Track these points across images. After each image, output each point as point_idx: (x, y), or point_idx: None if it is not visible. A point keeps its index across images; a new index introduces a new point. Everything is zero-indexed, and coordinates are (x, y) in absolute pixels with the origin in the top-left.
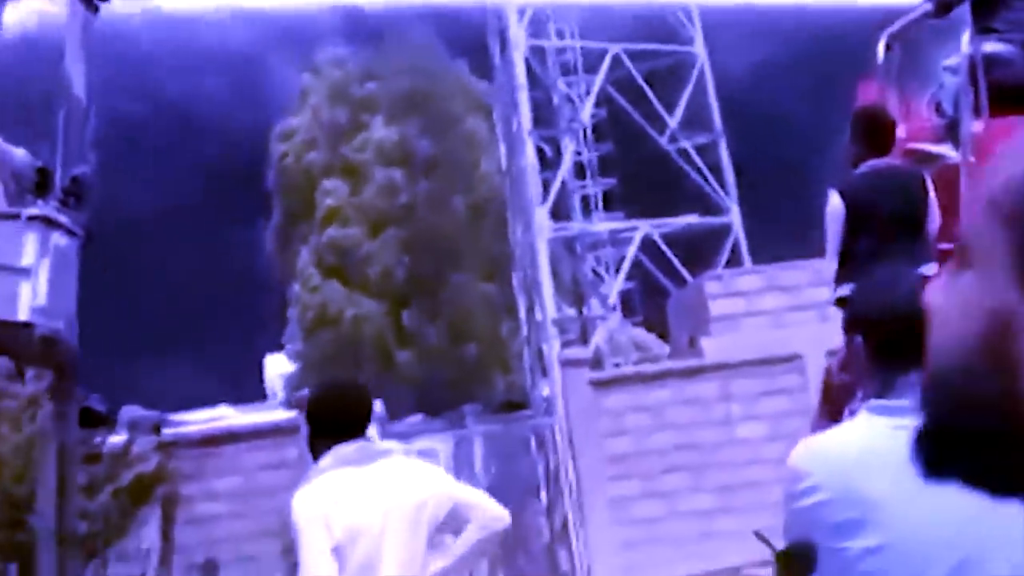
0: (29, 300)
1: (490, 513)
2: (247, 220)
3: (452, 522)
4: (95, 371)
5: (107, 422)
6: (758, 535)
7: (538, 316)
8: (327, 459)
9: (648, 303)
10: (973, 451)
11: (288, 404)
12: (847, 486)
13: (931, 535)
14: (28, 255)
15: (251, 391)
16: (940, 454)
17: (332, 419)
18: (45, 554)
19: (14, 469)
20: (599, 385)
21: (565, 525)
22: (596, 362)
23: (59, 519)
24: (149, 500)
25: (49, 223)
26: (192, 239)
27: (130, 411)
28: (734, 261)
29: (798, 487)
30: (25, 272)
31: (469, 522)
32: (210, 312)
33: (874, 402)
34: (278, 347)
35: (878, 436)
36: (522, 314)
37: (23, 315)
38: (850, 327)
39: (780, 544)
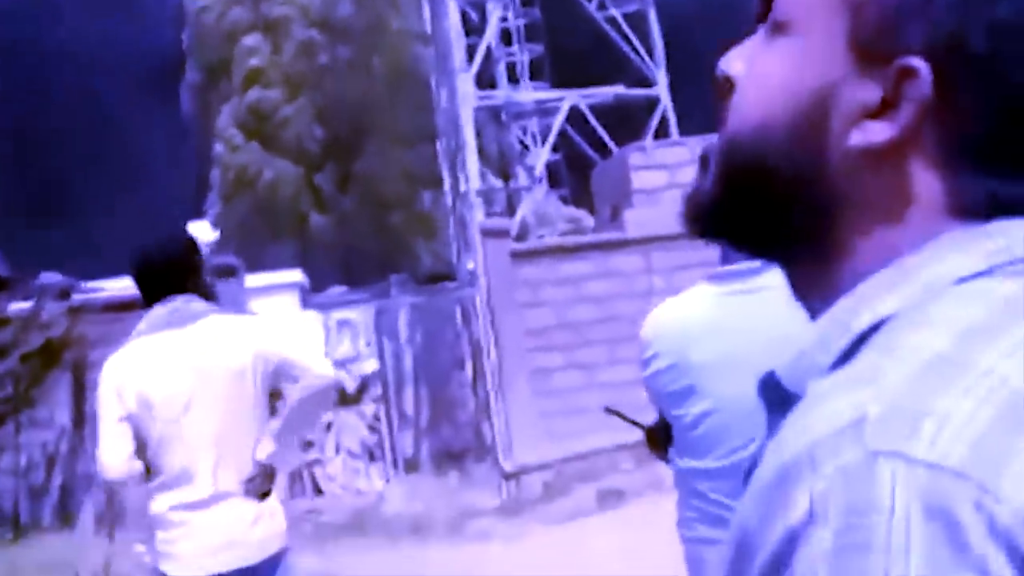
0: None
1: (314, 371)
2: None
3: (279, 381)
4: (3, 236)
5: (9, 286)
6: (609, 410)
7: (462, 187)
8: (141, 324)
9: (575, 175)
10: (752, 216)
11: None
12: (680, 354)
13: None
14: None
15: None
16: (718, 215)
17: (146, 280)
18: None
19: None
20: (519, 256)
21: (489, 397)
22: (522, 234)
23: None
24: (58, 365)
25: None
26: (111, 98)
27: (44, 277)
28: (662, 134)
29: (643, 356)
30: None
31: (296, 380)
32: (128, 177)
33: (712, 271)
34: (199, 214)
35: (708, 304)
36: (446, 184)
37: None
38: None
39: (641, 418)
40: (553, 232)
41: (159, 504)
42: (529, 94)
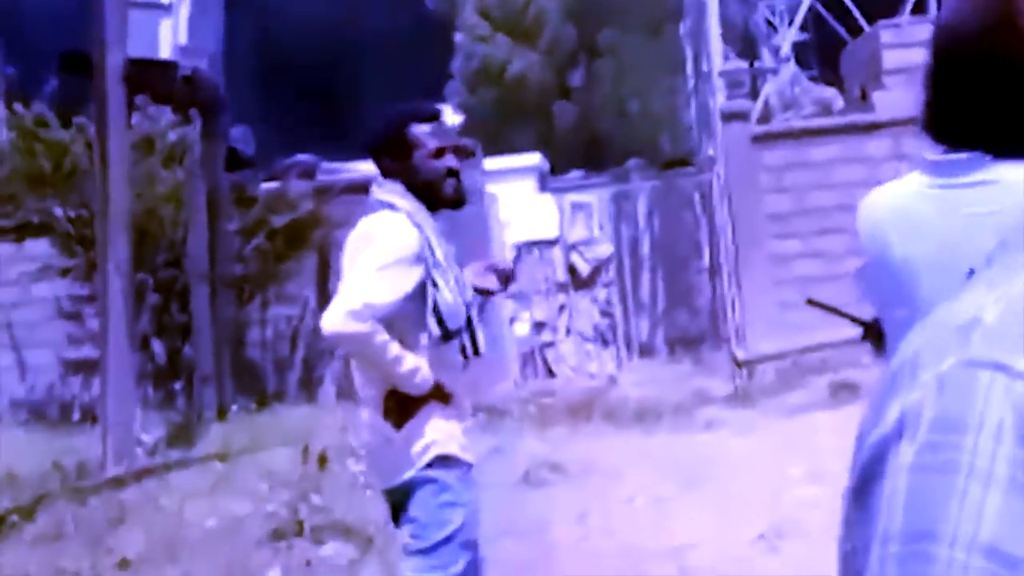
0: (170, 39)
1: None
2: None
3: None
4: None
5: (253, 165)
6: (812, 302)
7: (704, 68)
8: None
9: (824, 56)
10: (980, 113)
11: None
12: (881, 251)
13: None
14: None
15: None
16: (948, 118)
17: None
18: (198, 293)
19: (170, 212)
20: (760, 140)
21: (725, 284)
22: (765, 117)
23: (211, 260)
24: (304, 243)
25: None
26: None
27: (291, 158)
28: (919, 9)
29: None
30: (166, 9)
31: None
32: (374, 60)
33: (926, 156)
34: (442, 99)
35: (917, 196)
36: (688, 67)
37: (164, 53)
38: None
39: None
40: (799, 115)
41: None
42: None
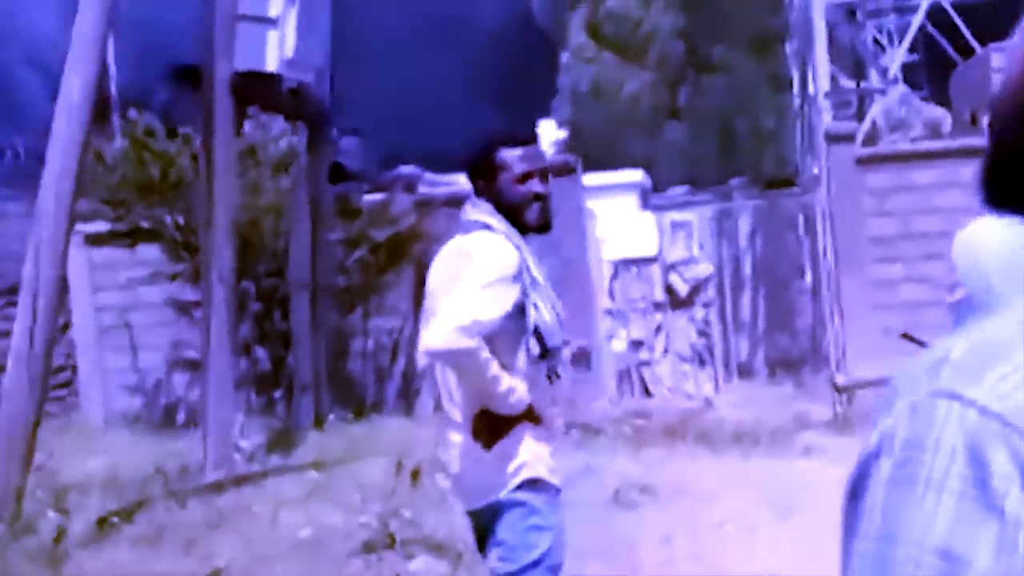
0: (277, 51)
1: (424, 336)
2: None
3: None
4: (357, 126)
5: (357, 178)
6: (907, 336)
7: (811, 88)
8: None
9: (934, 78)
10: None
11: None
12: (980, 286)
13: None
14: (275, 5)
15: None
16: (1006, 183)
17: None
18: (298, 303)
19: (273, 222)
20: (864, 162)
21: (827, 306)
22: (872, 139)
23: (312, 270)
24: (404, 256)
25: None
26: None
27: (397, 170)
28: None
29: (949, 281)
30: (272, 22)
31: None
32: (475, 71)
33: None
34: (546, 113)
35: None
36: (795, 86)
37: (271, 66)
38: None
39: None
40: (907, 136)
41: None
42: None
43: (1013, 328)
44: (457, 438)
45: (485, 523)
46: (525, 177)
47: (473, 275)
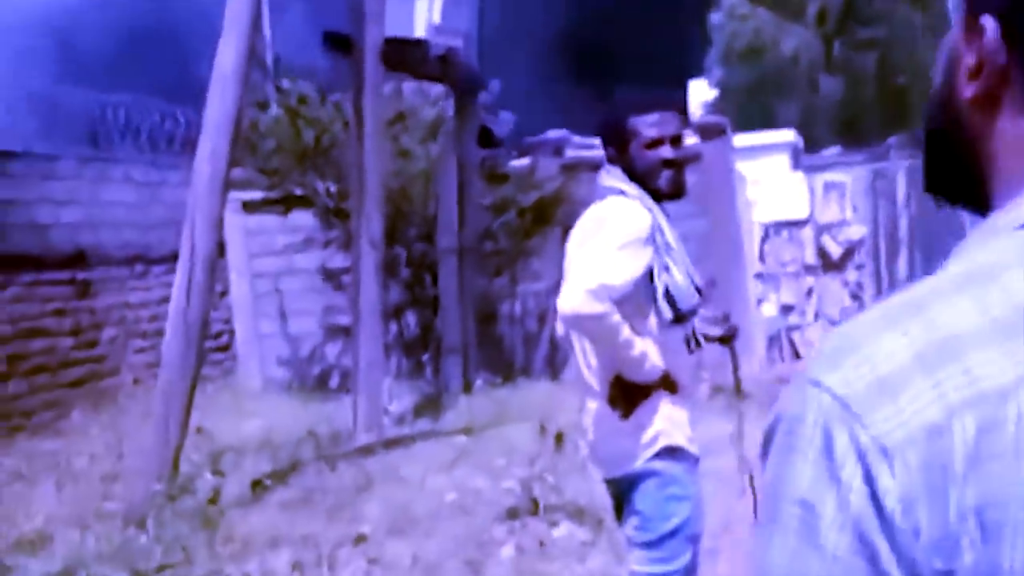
0: (425, 18)
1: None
2: None
3: None
4: (502, 92)
5: (505, 143)
6: None
7: None
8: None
9: None
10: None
11: (697, 130)
12: None
13: None
14: None
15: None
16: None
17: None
18: (446, 267)
19: (422, 187)
20: None
21: None
22: None
23: (460, 236)
24: (551, 221)
25: None
26: None
27: (546, 134)
28: None
29: None
30: None
31: None
32: (623, 33)
33: None
34: (697, 73)
35: None
36: None
37: (419, 32)
38: None
39: None
40: None
41: None
42: None
43: (869, 325)
44: (593, 405)
45: (622, 492)
46: (655, 143)
47: (603, 239)
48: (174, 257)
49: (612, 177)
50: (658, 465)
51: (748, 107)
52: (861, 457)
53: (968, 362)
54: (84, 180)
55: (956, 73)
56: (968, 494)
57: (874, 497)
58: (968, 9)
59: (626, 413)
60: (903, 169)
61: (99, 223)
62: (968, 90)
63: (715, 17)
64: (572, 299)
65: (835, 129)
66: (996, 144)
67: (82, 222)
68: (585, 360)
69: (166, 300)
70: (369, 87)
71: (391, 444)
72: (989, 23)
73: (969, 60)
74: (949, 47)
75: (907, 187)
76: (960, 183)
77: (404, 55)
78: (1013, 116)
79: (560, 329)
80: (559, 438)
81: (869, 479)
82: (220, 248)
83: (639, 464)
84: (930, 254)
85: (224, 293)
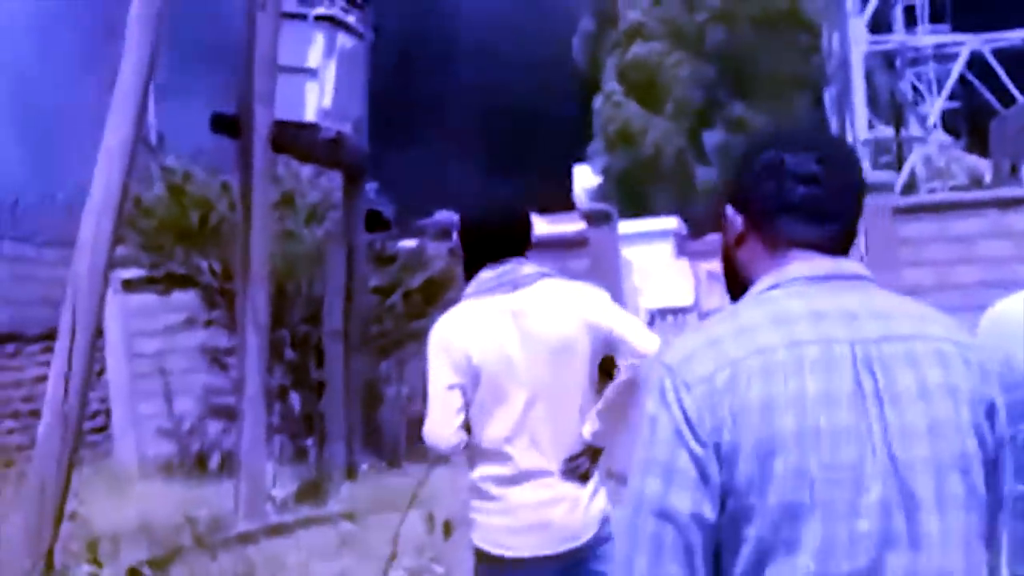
0: (316, 102)
1: (639, 348)
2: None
3: (608, 353)
4: (391, 172)
5: (392, 226)
6: None
7: (849, 136)
8: (471, 286)
9: (973, 126)
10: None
11: (584, 216)
12: (1010, 355)
13: None
14: (314, 56)
15: (559, 200)
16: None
17: (478, 241)
18: (332, 349)
19: (309, 269)
20: (901, 212)
21: None
22: (910, 187)
23: (346, 317)
24: (438, 303)
25: (335, 23)
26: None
27: (434, 216)
28: None
29: None
30: (312, 73)
31: (624, 357)
32: (512, 118)
33: None
34: (580, 159)
35: None
36: (833, 133)
37: (310, 116)
38: None
39: None
40: (947, 185)
41: (477, 473)
42: (927, 38)
43: (709, 322)
44: (550, 486)
45: (571, 565)
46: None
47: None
48: (49, 335)
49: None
50: (609, 528)
51: (627, 193)
52: (676, 392)
53: (750, 341)
54: None
55: (731, 241)
56: (725, 406)
57: (682, 409)
58: (730, 210)
59: (587, 477)
60: None
61: None
62: (735, 247)
63: (596, 101)
64: (654, 340)
65: (709, 216)
66: (749, 266)
67: None
68: (532, 439)
69: (40, 380)
70: (257, 169)
71: (274, 531)
72: (739, 217)
73: (733, 233)
74: (725, 230)
75: None
76: (741, 286)
77: (293, 138)
78: (751, 253)
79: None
80: (447, 526)
81: (679, 401)
82: (99, 327)
83: (599, 530)
84: None
85: (101, 372)
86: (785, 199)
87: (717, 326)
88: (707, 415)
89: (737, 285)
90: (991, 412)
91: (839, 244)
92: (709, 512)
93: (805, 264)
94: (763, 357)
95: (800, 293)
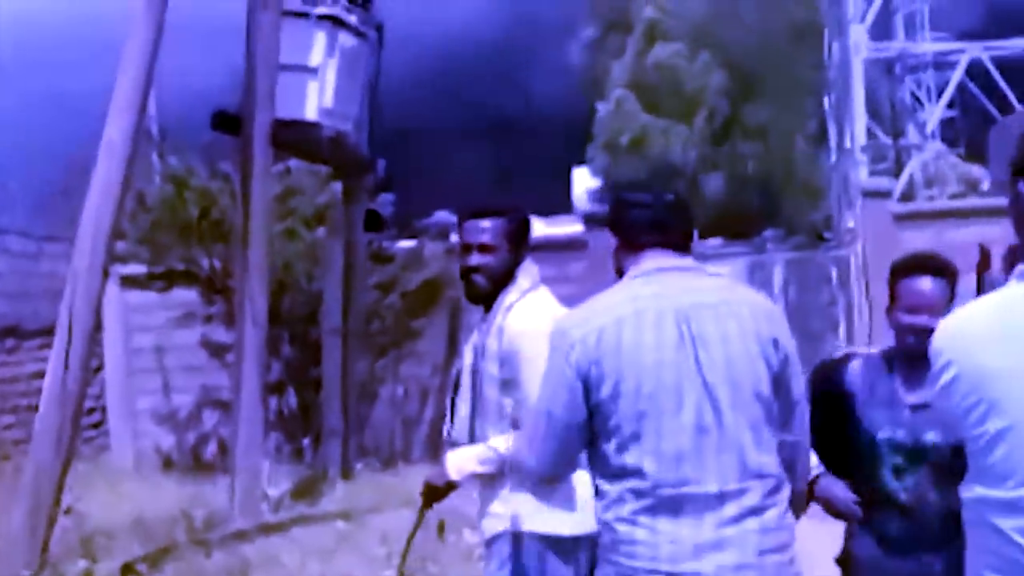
0: (316, 100)
1: None
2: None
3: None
4: (396, 171)
5: (391, 225)
6: None
7: (847, 143)
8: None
9: (973, 134)
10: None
11: (585, 219)
12: (970, 361)
13: None
14: (316, 55)
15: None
16: None
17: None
18: (330, 347)
19: (308, 267)
20: (901, 219)
21: None
22: (908, 195)
23: (344, 316)
24: (436, 303)
25: (337, 23)
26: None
27: (434, 216)
28: None
29: (935, 367)
30: (313, 72)
31: None
32: (516, 119)
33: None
34: (581, 161)
35: (1014, 303)
36: (832, 140)
37: (311, 115)
38: None
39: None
40: (944, 193)
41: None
42: (927, 45)
43: (592, 299)
44: None
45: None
46: (463, 250)
47: None
48: (48, 331)
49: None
50: None
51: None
52: (569, 347)
53: (612, 310)
54: None
55: (613, 251)
56: (593, 352)
57: (568, 361)
58: (609, 227)
59: None
60: (780, 262)
61: None
62: (617, 260)
63: (601, 107)
64: None
65: (714, 223)
66: (622, 263)
67: None
68: None
69: (38, 375)
70: (257, 167)
71: (269, 529)
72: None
73: (613, 248)
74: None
75: (783, 279)
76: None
77: (294, 137)
78: (626, 261)
79: None
80: (441, 527)
81: (568, 355)
82: (97, 323)
83: None
84: (807, 344)
85: (99, 368)
86: (636, 220)
87: (595, 301)
88: (582, 360)
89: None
90: (776, 344)
91: (680, 245)
92: (579, 415)
93: (653, 260)
94: (617, 319)
95: (647, 279)
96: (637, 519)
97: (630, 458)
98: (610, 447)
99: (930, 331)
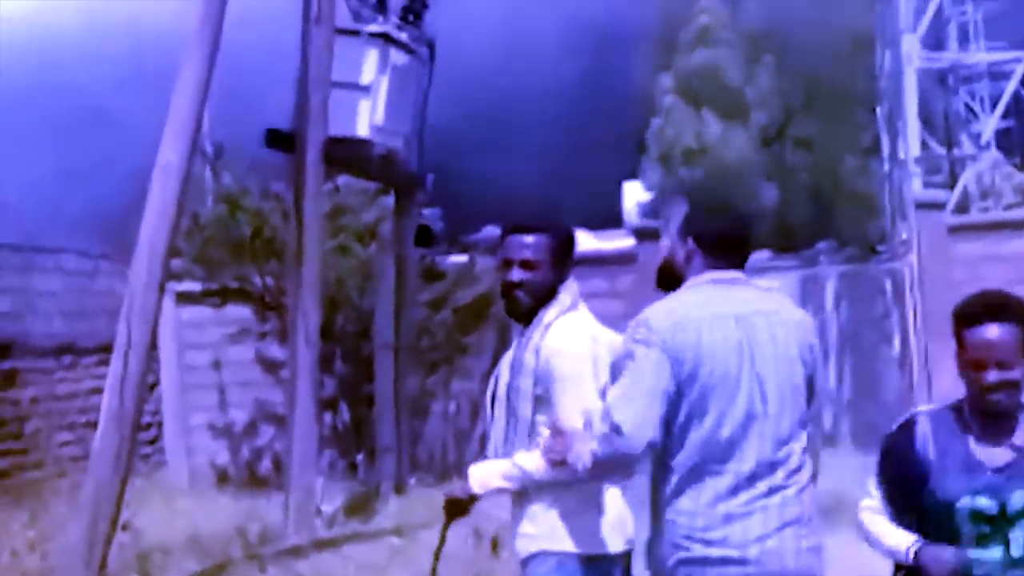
0: (368, 118)
1: None
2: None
3: None
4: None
5: (442, 241)
6: None
7: (901, 154)
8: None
9: None
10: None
11: (636, 233)
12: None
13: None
14: (368, 72)
15: (608, 216)
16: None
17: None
18: (382, 363)
19: (359, 283)
20: (956, 231)
21: (916, 377)
22: (963, 206)
23: (396, 332)
24: (486, 318)
25: (388, 40)
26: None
27: (483, 231)
28: None
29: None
30: (365, 90)
31: None
32: (570, 131)
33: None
34: (633, 174)
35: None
36: (885, 151)
37: (362, 132)
38: None
39: None
40: (999, 204)
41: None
42: (980, 55)
43: (666, 300)
44: None
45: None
46: (503, 265)
47: None
48: (105, 348)
49: None
50: None
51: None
52: (661, 330)
53: (690, 311)
54: (11, 269)
55: (677, 255)
56: (678, 343)
57: (662, 340)
58: (681, 233)
59: None
60: (833, 275)
61: (26, 312)
62: (683, 264)
63: (654, 122)
64: None
65: (771, 234)
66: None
67: (8, 311)
68: None
69: (95, 392)
70: (310, 185)
71: (322, 545)
72: (691, 240)
73: (683, 253)
74: (668, 245)
75: (836, 292)
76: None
77: (346, 154)
78: (692, 267)
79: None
80: (495, 543)
81: (662, 335)
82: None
83: None
84: (860, 358)
85: (154, 385)
86: (713, 231)
87: (671, 301)
88: (670, 342)
89: (673, 283)
90: (811, 349)
91: (743, 261)
92: (665, 382)
93: (718, 271)
94: (696, 317)
95: (714, 287)
96: (685, 490)
97: (693, 434)
98: (678, 423)
99: (1003, 385)
